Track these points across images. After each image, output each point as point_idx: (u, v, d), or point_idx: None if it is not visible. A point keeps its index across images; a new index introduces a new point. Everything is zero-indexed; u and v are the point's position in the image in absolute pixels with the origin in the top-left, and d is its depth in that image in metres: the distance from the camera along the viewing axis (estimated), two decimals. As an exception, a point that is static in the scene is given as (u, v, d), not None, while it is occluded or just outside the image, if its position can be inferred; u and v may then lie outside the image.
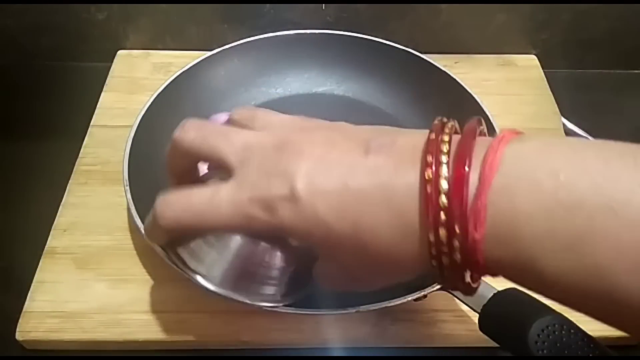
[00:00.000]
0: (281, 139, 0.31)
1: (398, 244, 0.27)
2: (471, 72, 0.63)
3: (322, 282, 0.34)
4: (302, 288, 0.36)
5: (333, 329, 0.44)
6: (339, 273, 0.32)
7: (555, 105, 0.62)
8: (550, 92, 0.63)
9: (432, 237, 0.25)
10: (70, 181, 0.53)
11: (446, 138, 0.27)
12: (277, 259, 0.34)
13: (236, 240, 0.33)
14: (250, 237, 0.33)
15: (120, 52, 0.66)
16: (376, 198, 0.27)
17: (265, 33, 0.59)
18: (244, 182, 0.30)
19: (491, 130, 0.51)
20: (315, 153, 0.29)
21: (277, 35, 0.59)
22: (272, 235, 0.32)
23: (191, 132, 0.33)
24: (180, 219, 0.31)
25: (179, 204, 0.31)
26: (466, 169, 0.25)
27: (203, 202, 0.31)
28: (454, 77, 0.54)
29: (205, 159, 0.34)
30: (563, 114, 0.61)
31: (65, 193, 0.52)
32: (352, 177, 0.28)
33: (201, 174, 0.45)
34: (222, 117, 0.56)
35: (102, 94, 0.61)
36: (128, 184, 0.46)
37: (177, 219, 0.31)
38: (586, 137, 0.59)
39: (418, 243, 0.26)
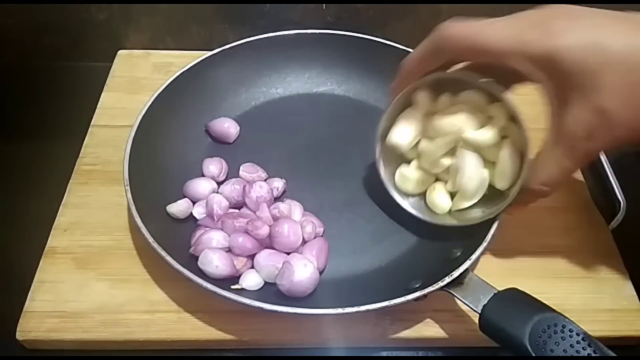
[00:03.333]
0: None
1: None
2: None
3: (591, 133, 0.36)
4: None
5: (333, 329, 0.44)
6: (614, 104, 0.35)
7: (556, 105, 0.62)
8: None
9: None
10: (70, 181, 0.53)
11: None
12: None
13: None
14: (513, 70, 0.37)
15: (120, 52, 0.66)
16: None
17: (265, 33, 0.59)
18: (519, 16, 0.36)
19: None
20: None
21: (277, 35, 0.59)
22: (540, 65, 0.36)
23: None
24: (461, 36, 0.37)
25: (461, 25, 0.37)
26: None
27: (483, 25, 0.36)
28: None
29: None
30: (563, 114, 0.61)
31: (66, 193, 0.52)
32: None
33: (196, 215, 0.49)
34: (223, 121, 0.56)
35: (103, 94, 0.61)
36: (128, 183, 0.46)
37: (459, 31, 0.37)
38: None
39: None
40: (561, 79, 0.35)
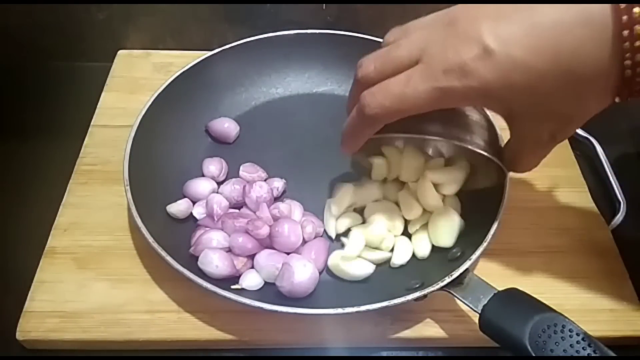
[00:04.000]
0: (448, 18, 0.34)
1: (597, 56, 0.30)
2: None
3: (522, 150, 0.39)
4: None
5: (333, 329, 0.44)
6: (540, 121, 0.35)
7: (556, 105, 0.62)
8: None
9: (625, 35, 0.29)
10: (70, 181, 0.53)
11: None
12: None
13: None
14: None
15: (120, 52, 0.66)
16: (572, 22, 0.30)
17: (265, 33, 0.59)
18: (433, 61, 0.34)
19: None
20: (487, 13, 0.32)
21: (277, 35, 0.59)
22: (471, 101, 0.37)
23: (376, 98, 0.37)
24: (384, 105, 0.36)
25: (381, 92, 0.36)
26: None
27: (400, 86, 0.35)
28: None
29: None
30: (563, 114, 0.61)
31: (66, 193, 0.52)
32: (537, 15, 0.31)
33: (196, 215, 0.49)
34: (222, 121, 0.56)
35: (103, 94, 0.61)
36: (128, 183, 0.46)
37: (381, 105, 0.36)
38: (587, 137, 0.59)
39: (612, 50, 0.30)
40: (502, 102, 0.35)
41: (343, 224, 0.49)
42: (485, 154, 0.41)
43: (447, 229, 0.47)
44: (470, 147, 0.40)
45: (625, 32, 0.29)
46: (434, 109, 0.36)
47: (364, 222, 0.49)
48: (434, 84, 0.34)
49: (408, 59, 0.35)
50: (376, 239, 0.46)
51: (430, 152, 0.51)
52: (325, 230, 0.49)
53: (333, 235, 0.49)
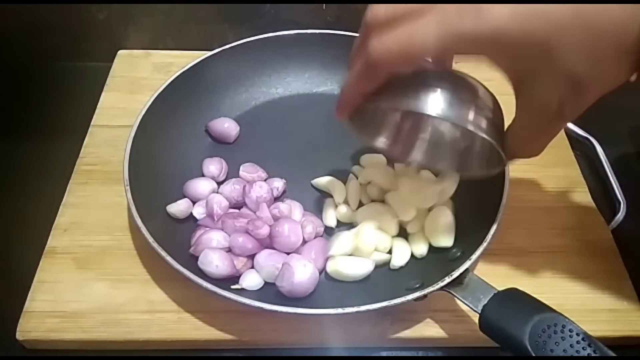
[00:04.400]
0: None
1: (619, 14, 0.30)
2: (472, 72, 0.63)
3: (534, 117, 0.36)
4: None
5: (333, 329, 0.44)
6: (552, 83, 0.33)
7: (556, 105, 0.62)
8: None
9: None
10: (70, 181, 0.53)
11: None
12: None
13: None
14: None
15: (120, 52, 0.66)
16: None
17: (265, 33, 0.59)
18: (447, 4, 0.32)
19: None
20: None
21: (277, 35, 0.59)
22: (485, 49, 0.33)
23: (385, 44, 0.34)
24: (391, 49, 0.34)
25: (388, 36, 0.34)
26: None
27: (410, 28, 0.33)
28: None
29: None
30: (563, 114, 0.61)
31: (66, 193, 0.52)
32: None
33: (196, 215, 0.49)
34: (222, 121, 0.56)
35: (103, 94, 0.61)
36: (128, 183, 0.46)
37: (388, 49, 0.34)
38: (587, 137, 0.59)
39: (634, 8, 0.30)
40: (514, 54, 0.33)
41: (342, 213, 0.49)
42: (487, 137, 0.38)
43: (444, 229, 0.47)
44: (471, 128, 0.38)
45: None
46: (444, 54, 0.36)
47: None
48: (445, 26, 0.32)
49: (421, 2, 0.33)
50: (365, 250, 0.46)
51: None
52: (325, 230, 0.49)
53: (332, 225, 0.49)
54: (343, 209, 0.49)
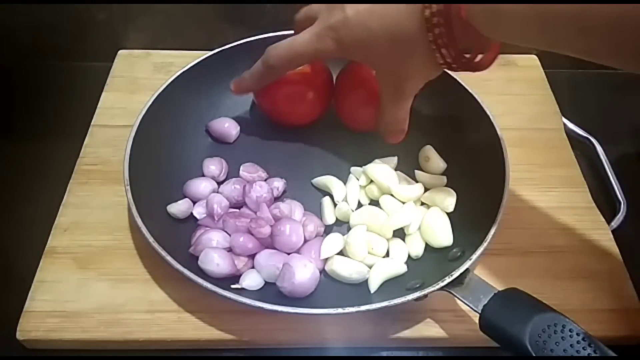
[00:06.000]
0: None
1: (409, 24, 0.40)
2: (472, 72, 0.63)
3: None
4: None
5: (333, 329, 0.44)
6: (385, 74, 0.46)
7: (556, 105, 0.62)
8: (551, 92, 0.63)
9: (427, 13, 0.39)
10: (70, 181, 0.53)
11: None
12: None
13: None
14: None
15: (120, 51, 0.66)
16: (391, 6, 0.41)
17: (265, 33, 0.59)
18: (317, 25, 0.45)
19: (492, 130, 0.51)
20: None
21: (277, 35, 0.59)
22: (341, 56, 0.46)
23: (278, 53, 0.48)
24: (279, 55, 0.47)
25: (281, 45, 0.47)
26: None
27: (292, 41, 0.46)
28: (455, 77, 0.54)
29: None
30: (564, 114, 0.61)
31: (66, 193, 0.52)
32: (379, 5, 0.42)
33: (196, 215, 0.49)
34: (222, 121, 0.56)
35: (103, 94, 0.61)
36: (128, 183, 0.46)
37: (277, 55, 0.47)
38: (587, 137, 0.59)
39: (418, 20, 0.40)
40: (355, 55, 0.46)
41: (342, 211, 0.49)
42: None
43: (441, 229, 0.47)
44: None
45: (427, 12, 0.39)
46: (317, 58, 0.48)
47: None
48: (313, 37, 0.45)
49: (308, 21, 0.46)
50: (356, 253, 0.46)
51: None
52: (325, 230, 0.49)
53: (331, 222, 0.49)
54: (343, 206, 0.49)
